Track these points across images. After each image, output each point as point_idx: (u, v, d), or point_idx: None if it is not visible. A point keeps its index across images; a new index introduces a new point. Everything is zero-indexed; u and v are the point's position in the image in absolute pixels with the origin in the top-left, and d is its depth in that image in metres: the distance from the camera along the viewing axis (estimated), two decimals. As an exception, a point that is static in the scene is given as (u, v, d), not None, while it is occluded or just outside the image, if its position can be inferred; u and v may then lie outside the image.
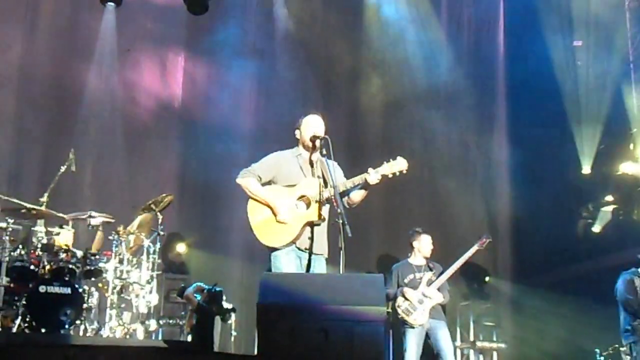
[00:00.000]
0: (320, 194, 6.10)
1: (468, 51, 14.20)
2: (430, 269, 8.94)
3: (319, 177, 6.30)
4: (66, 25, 11.84)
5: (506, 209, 13.73)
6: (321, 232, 6.20)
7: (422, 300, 8.66)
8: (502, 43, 14.31)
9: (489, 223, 13.44)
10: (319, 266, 6.25)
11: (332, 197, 6.01)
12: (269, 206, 6.24)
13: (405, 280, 8.85)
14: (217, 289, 9.69)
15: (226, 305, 9.79)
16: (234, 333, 9.91)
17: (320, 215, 6.12)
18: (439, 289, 8.85)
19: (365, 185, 6.22)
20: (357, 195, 6.32)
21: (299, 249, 6.19)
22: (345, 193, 6.32)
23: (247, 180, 6.39)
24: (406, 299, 8.68)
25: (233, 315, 10.03)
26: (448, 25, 14.17)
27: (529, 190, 13.14)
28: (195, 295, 9.65)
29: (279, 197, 6.24)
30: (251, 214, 6.31)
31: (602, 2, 12.68)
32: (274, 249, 6.21)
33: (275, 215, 6.17)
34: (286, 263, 6.17)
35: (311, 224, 6.15)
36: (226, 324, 9.87)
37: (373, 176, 6.09)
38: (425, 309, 8.65)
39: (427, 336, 8.72)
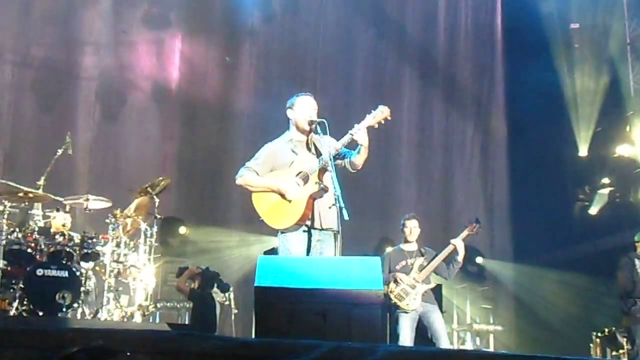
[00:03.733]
0: (318, 163, 6.08)
1: (466, 32, 14.20)
2: (422, 254, 8.90)
3: (313, 153, 6.29)
4: (62, 8, 11.78)
5: (504, 191, 13.77)
6: (327, 205, 6.16)
7: (414, 285, 8.65)
8: (499, 27, 14.31)
9: (486, 205, 13.48)
10: (327, 245, 6.23)
11: (327, 164, 5.99)
12: (274, 191, 6.22)
13: (397, 267, 8.80)
14: (210, 270, 9.67)
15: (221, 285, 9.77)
16: (234, 311, 9.87)
17: (321, 185, 6.11)
18: (446, 262, 8.82)
19: (356, 144, 6.14)
20: (357, 157, 6.25)
21: (307, 226, 6.18)
22: (342, 157, 6.29)
23: (245, 177, 6.36)
24: (398, 284, 8.67)
25: (231, 294, 10.03)
26: (447, 7, 14.16)
27: (526, 173, 13.19)
28: (187, 282, 9.62)
29: (280, 179, 6.24)
30: (257, 205, 6.29)
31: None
32: (284, 230, 6.22)
33: (284, 195, 6.15)
34: (295, 243, 6.15)
35: (314, 197, 6.13)
36: (227, 302, 9.84)
37: (358, 131, 6.04)
38: (418, 294, 8.63)
39: (420, 320, 8.72)
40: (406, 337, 8.56)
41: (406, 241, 8.96)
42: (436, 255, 8.82)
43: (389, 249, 9.23)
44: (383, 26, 13.88)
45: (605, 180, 12.83)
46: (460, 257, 8.82)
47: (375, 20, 13.83)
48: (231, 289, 10.00)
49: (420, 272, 8.69)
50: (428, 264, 8.75)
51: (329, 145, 6.12)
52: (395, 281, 8.68)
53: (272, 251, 6.58)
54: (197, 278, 9.53)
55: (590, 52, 12.88)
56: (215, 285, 9.62)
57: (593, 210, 12.90)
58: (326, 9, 13.45)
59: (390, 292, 8.67)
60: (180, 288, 9.57)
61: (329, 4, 13.48)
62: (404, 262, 8.81)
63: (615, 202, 12.67)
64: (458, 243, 8.77)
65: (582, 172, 13.14)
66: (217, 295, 9.68)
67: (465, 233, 8.90)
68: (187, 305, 9.88)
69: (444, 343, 8.66)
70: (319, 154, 6.18)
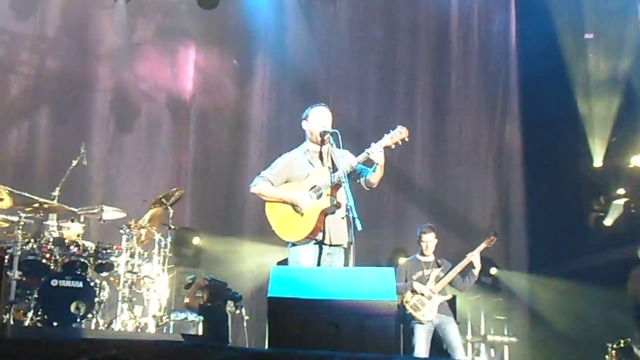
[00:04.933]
0: (330, 180, 6.08)
1: (480, 41, 14.20)
2: (439, 266, 8.88)
3: (329, 167, 6.28)
4: (77, 21, 11.85)
5: (518, 201, 13.72)
6: (337, 221, 6.17)
7: (430, 296, 8.63)
8: (514, 37, 14.29)
9: (501, 216, 13.43)
10: (337, 258, 6.24)
11: (340, 180, 5.99)
12: (287, 203, 6.24)
13: (414, 277, 8.79)
14: (218, 280, 9.63)
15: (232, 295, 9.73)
16: (246, 318, 9.86)
17: (333, 201, 6.11)
18: (461, 274, 8.82)
19: (371, 162, 6.14)
20: (372, 176, 6.25)
21: (317, 241, 6.18)
22: (357, 175, 6.30)
23: (259, 187, 6.39)
24: (415, 294, 8.65)
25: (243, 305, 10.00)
26: (459, 15, 14.17)
27: (541, 184, 13.14)
28: (196, 294, 9.59)
29: (293, 191, 6.25)
30: (270, 215, 6.33)
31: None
32: (294, 243, 6.23)
33: (296, 208, 6.17)
34: (305, 255, 6.16)
35: (326, 212, 6.14)
36: (239, 311, 9.81)
37: (375, 151, 6.03)
38: (434, 305, 8.63)
39: (436, 331, 8.70)
40: (421, 349, 8.54)
41: (422, 254, 8.94)
42: (452, 267, 8.81)
43: (402, 260, 9.20)
44: (396, 35, 13.89)
45: (621, 191, 12.76)
46: (476, 271, 8.83)
47: (388, 29, 13.85)
48: (242, 296, 9.97)
49: (436, 284, 8.69)
50: (444, 275, 8.74)
51: (345, 161, 6.12)
52: (412, 291, 8.67)
53: (285, 262, 6.58)
54: (205, 290, 9.51)
55: (605, 62, 12.84)
56: (226, 296, 9.58)
57: (608, 221, 12.82)
58: (339, 19, 13.49)
59: (406, 302, 8.66)
60: (189, 305, 9.54)
61: (341, 14, 13.51)
62: (420, 273, 8.81)
63: (631, 212, 12.60)
64: (475, 257, 8.76)
65: (597, 183, 13.08)
66: (228, 305, 9.65)
67: (482, 246, 8.90)
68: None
69: (459, 355, 8.63)
70: (334, 168, 6.18)
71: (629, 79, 12.41)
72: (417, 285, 8.65)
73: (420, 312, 8.59)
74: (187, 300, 9.54)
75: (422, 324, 8.60)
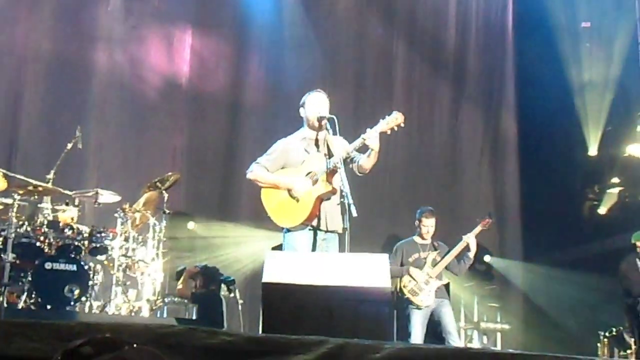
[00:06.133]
0: (326, 166, 6.11)
1: (477, 31, 14.15)
2: (435, 249, 8.89)
3: (325, 154, 6.31)
4: (73, 3, 11.79)
5: (513, 190, 13.72)
6: (333, 207, 6.20)
7: (428, 281, 8.63)
8: (510, 26, 14.25)
9: (496, 204, 13.43)
10: (332, 244, 6.27)
11: (336, 166, 6.01)
12: (283, 189, 6.26)
13: (410, 259, 8.80)
14: (209, 266, 9.62)
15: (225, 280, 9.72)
16: (240, 301, 9.86)
17: (329, 187, 6.14)
18: (457, 258, 8.83)
19: (367, 148, 6.17)
20: (366, 162, 6.28)
21: (312, 226, 6.20)
22: (351, 160, 6.33)
23: (255, 173, 6.44)
24: (412, 279, 8.65)
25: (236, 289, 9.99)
26: (457, 5, 14.12)
27: (536, 172, 13.14)
28: (188, 283, 9.58)
29: (289, 177, 6.27)
30: (266, 201, 6.36)
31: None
32: (290, 229, 6.25)
33: (290, 192, 6.19)
34: (300, 241, 6.19)
35: (322, 198, 6.15)
36: (233, 295, 9.80)
37: (371, 136, 6.06)
38: (432, 290, 8.64)
39: (432, 315, 8.72)
40: (417, 334, 8.57)
41: (421, 236, 8.95)
42: (449, 251, 8.81)
43: (402, 241, 9.19)
44: (393, 22, 13.84)
45: (615, 180, 12.79)
46: (472, 254, 8.84)
47: (386, 16, 13.80)
48: (234, 280, 9.96)
49: (433, 268, 8.69)
50: (441, 259, 8.75)
51: (341, 147, 6.15)
52: (410, 275, 8.67)
53: (280, 247, 6.60)
54: (197, 277, 9.49)
55: (601, 51, 12.83)
56: (219, 280, 9.57)
57: (602, 210, 12.85)
58: (336, 5, 13.44)
59: (404, 286, 8.67)
60: (181, 293, 9.53)
61: (339, 0, 13.47)
62: (416, 255, 8.82)
63: (625, 201, 12.63)
64: (470, 239, 8.77)
65: (592, 172, 13.09)
66: (222, 289, 9.65)
67: (478, 229, 8.91)
68: (195, 300, 9.87)
69: (454, 338, 8.67)
70: (330, 154, 6.20)
71: (625, 67, 12.40)
72: (413, 271, 8.66)
73: (418, 297, 8.60)
74: (179, 287, 9.53)
75: (419, 309, 8.61)
